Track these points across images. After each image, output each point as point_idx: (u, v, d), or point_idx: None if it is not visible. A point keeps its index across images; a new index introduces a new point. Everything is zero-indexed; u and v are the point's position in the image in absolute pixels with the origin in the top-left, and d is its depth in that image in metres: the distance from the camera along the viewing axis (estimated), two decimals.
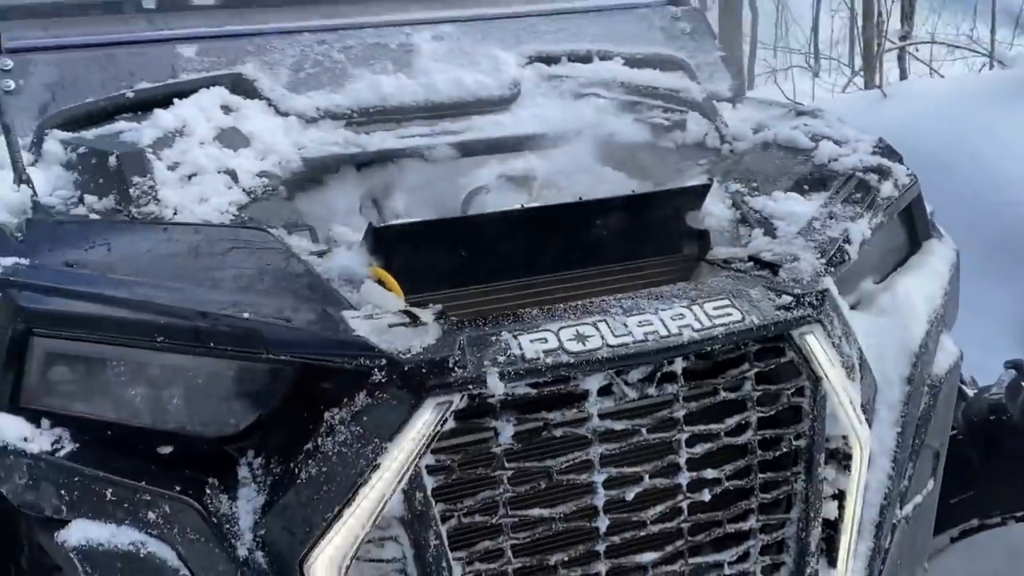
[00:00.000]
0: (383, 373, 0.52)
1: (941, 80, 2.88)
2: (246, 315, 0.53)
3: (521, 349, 0.52)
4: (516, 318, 0.56)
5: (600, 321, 0.55)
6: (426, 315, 0.55)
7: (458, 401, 0.51)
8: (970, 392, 1.00)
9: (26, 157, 0.74)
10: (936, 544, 0.96)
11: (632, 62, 1.02)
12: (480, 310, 0.60)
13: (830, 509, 0.66)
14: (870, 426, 0.68)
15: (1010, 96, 2.03)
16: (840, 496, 0.66)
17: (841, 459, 0.67)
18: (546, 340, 0.54)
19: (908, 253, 0.86)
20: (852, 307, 0.74)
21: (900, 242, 0.86)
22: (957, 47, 2.93)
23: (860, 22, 3.29)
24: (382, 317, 0.54)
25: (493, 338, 0.53)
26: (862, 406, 0.66)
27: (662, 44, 1.12)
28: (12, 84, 0.85)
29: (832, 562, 0.67)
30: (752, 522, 0.62)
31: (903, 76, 3.05)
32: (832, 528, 0.67)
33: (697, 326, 0.56)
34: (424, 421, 0.51)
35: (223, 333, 0.54)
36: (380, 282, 0.60)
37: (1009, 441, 0.92)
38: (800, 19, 4.05)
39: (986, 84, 2.35)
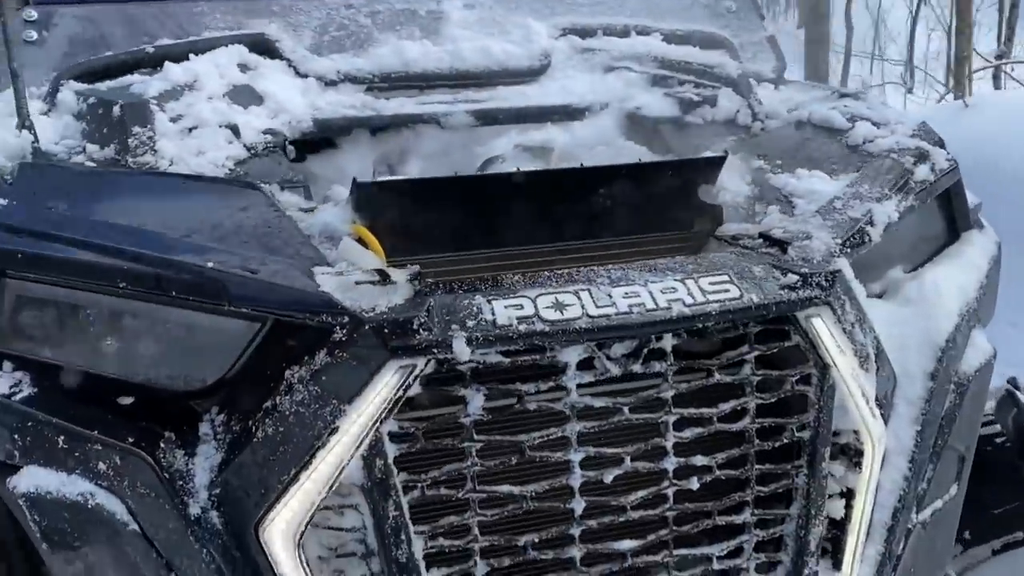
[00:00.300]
0: (344, 331, 0.49)
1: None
2: (210, 264, 0.51)
3: (493, 315, 0.49)
4: (495, 283, 0.53)
5: (583, 290, 0.51)
6: (399, 275, 0.52)
7: (423, 365, 0.49)
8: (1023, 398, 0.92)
9: (40, 106, 0.76)
10: (976, 555, 0.92)
11: (671, 38, 1.00)
12: (462, 276, 0.56)
13: (837, 508, 0.61)
14: (886, 422, 0.63)
15: None
16: (848, 495, 0.62)
17: (852, 455, 0.62)
18: (521, 307, 0.50)
19: (945, 243, 0.80)
20: (879, 295, 0.69)
21: (936, 231, 0.81)
22: None
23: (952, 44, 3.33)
24: (351, 274, 0.52)
25: (465, 302, 0.51)
26: (877, 400, 0.61)
27: (705, 21, 1.10)
28: (35, 35, 0.88)
29: (837, 564, 0.62)
30: (746, 516, 0.58)
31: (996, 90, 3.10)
32: (839, 528, 0.62)
33: (689, 301, 0.52)
34: (386, 384, 0.48)
35: (187, 283, 0.52)
36: (361, 240, 0.57)
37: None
38: (897, 35, 3.97)
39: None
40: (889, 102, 3.19)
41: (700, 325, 0.52)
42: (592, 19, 1.03)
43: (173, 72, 0.80)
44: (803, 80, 1.04)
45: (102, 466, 0.52)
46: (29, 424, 0.54)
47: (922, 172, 0.76)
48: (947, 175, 0.78)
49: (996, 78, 2.99)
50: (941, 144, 0.81)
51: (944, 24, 3.50)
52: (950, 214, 0.81)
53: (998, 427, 0.91)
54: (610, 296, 0.52)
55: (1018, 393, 0.92)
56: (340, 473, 0.49)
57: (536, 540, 0.54)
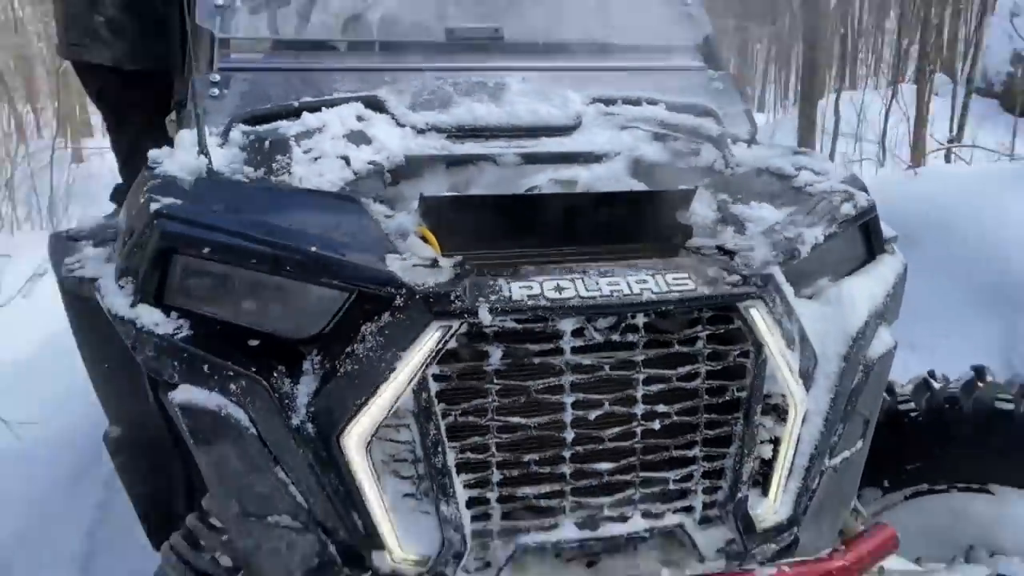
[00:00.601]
0: (402, 299, 0.69)
1: (966, 167, 3.67)
2: (313, 249, 0.73)
3: (510, 292, 0.68)
4: (514, 270, 0.72)
5: (578, 278, 0.71)
6: (445, 263, 0.73)
7: (458, 326, 0.67)
8: (937, 385, 1.14)
9: (217, 140, 1.04)
10: (892, 499, 1.16)
11: (672, 107, 1.25)
12: (491, 265, 0.75)
13: (766, 451, 0.81)
14: (807, 390, 0.81)
15: (1012, 179, 2.63)
16: (775, 442, 0.81)
17: (779, 412, 0.81)
18: (531, 288, 0.69)
19: (863, 262, 1.01)
20: (809, 297, 0.89)
21: (856, 252, 1.02)
22: (989, 150, 3.72)
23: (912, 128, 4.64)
24: (411, 260, 0.72)
25: (490, 282, 0.70)
26: (800, 372, 0.79)
27: (699, 96, 1.36)
28: (216, 92, 1.19)
29: (764, 492, 0.82)
30: (696, 451, 0.77)
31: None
32: (767, 467, 0.82)
33: (656, 290, 0.71)
34: (430, 339, 0.67)
35: (298, 262, 0.74)
36: (423, 238, 0.78)
37: (959, 427, 1.08)
38: (874, 123, 5.15)
39: (994, 171, 3.18)
40: (866, 173, 4.11)
41: (663, 308, 0.71)
42: (614, 92, 1.26)
43: (308, 120, 1.07)
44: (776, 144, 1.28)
45: (233, 387, 0.74)
46: (185, 355, 0.75)
47: (846, 208, 0.97)
48: (866, 211, 0.99)
49: (947, 158, 4.00)
50: (864, 188, 1.03)
51: (909, 116, 4.71)
52: (868, 240, 1.03)
53: (913, 405, 1.12)
54: (597, 283, 0.70)
55: (932, 380, 1.15)
56: (397, 401, 0.68)
57: (537, 458, 0.72)
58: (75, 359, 1.22)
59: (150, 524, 1.08)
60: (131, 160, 1.97)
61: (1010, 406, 1.06)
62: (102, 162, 5.64)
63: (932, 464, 1.13)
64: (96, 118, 6.26)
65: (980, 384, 1.11)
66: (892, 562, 0.94)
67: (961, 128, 4.32)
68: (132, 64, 1.64)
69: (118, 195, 1.50)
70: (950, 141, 3.40)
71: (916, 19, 4.91)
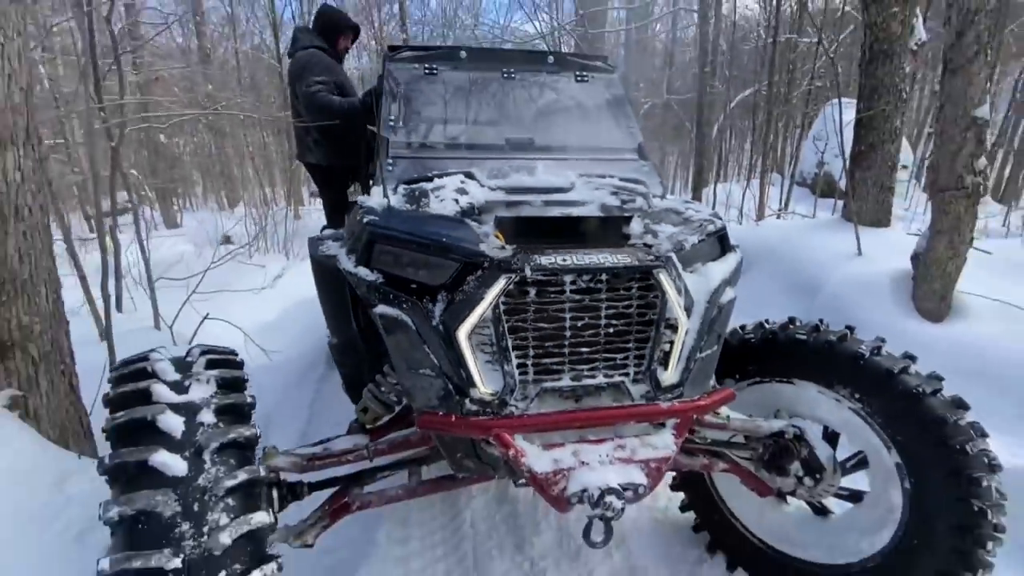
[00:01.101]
0: (487, 264, 1.26)
1: (786, 222, 5.87)
2: (444, 239, 1.34)
3: (539, 261, 1.24)
4: (541, 252, 1.28)
5: (573, 255, 1.27)
6: (508, 247, 1.32)
7: (515, 277, 1.22)
8: (767, 325, 1.80)
9: (391, 192, 1.69)
10: (741, 386, 1.82)
11: (622, 179, 1.97)
12: (531, 249, 1.30)
13: (666, 347, 1.36)
14: (688, 317, 1.37)
15: (808, 228, 4.50)
16: (672, 343, 1.36)
17: (673, 327, 1.35)
18: (550, 259, 1.24)
19: (720, 255, 1.62)
20: (690, 272, 1.48)
21: (715, 251, 1.62)
22: (801, 215, 6.38)
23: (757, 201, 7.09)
24: (492, 244, 1.34)
25: (530, 257, 1.25)
26: (684, 308, 1.35)
27: (635, 173, 2.12)
28: (391, 168, 1.98)
29: (665, 367, 1.36)
30: (630, 345, 1.34)
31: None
32: (667, 356, 1.36)
33: (611, 262, 1.27)
34: (500, 283, 1.21)
35: (437, 245, 1.33)
36: (497, 236, 1.38)
37: (777, 348, 1.74)
38: (736, 200, 7.80)
39: (800, 224, 5.08)
40: (731, 226, 6.45)
41: (615, 271, 1.28)
42: (591, 170, 2.00)
43: (436, 182, 1.76)
44: (676, 196, 2.19)
45: (404, 306, 1.31)
46: (381, 291, 1.35)
47: (710, 227, 1.61)
48: (721, 229, 1.64)
49: (777, 218, 6.47)
50: (720, 218, 1.69)
51: (755, 196, 7.23)
52: (722, 244, 1.64)
53: (753, 336, 1.78)
54: (583, 258, 1.25)
55: (765, 324, 1.79)
56: (482, 312, 1.22)
57: (550, 344, 1.29)
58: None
59: (349, 387, 1.88)
60: (333, 213, 3.65)
61: (804, 336, 1.66)
62: (309, 219, 10.28)
63: (762, 368, 1.78)
64: (306, 193, 11.66)
65: (790, 325, 1.73)
66: (734, 414, 1.67)
67: (787, 203, 7.19)
68: (327, 162, 2.90)
69: (317, 238, 2.24)
70: (779, 210, 5.54)
71: (762, 142, 7.86)
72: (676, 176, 19.81)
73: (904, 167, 12.92)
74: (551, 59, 2.43)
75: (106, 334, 2.16)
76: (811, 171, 9.40)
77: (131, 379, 1.26)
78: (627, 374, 1.36)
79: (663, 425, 1.36)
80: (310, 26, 3.52)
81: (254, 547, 1.10)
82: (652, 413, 1.34)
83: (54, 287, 1.87)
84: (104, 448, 1.19)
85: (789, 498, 1.90)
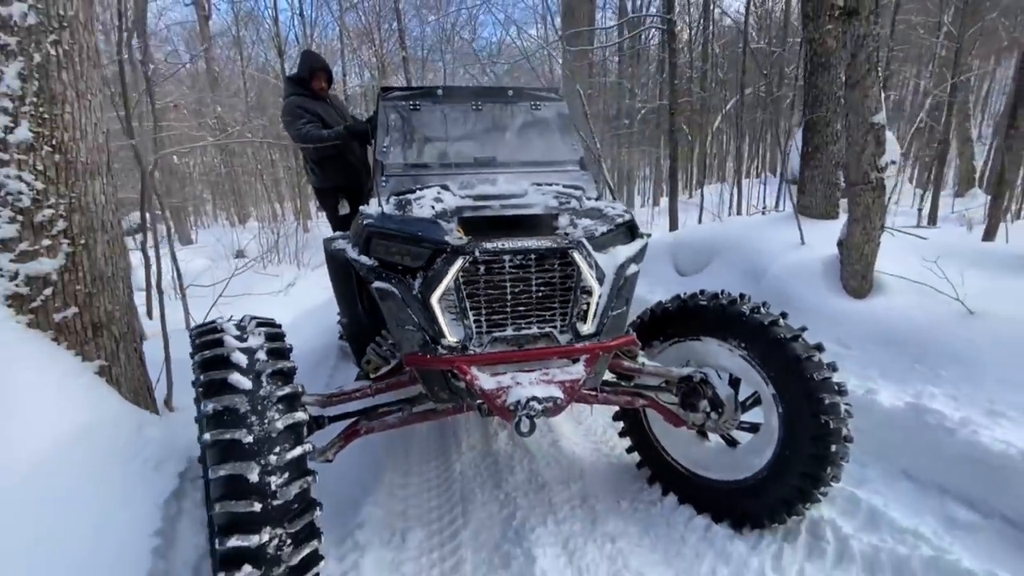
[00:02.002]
0: (449, 249, 1.73)
1: (750, 217, 6.59)
2: (419, 233, 1.82)
3: (487, 246, 1.72)
4: (489, 240, 1.75)
5: (513, 241, 1.76)
6: (465, 238, 1.78)
7: (469, 258, 1.71)
8: (683, 296, 2.24)
9: (383, 200, 2.16)
10: (664, 346, 2.32)
11: (565, 185, 2.42)
12: (483, 239, 1.78)
13: (584, 306, 1.82)
14: (601, 284, 1.83)
15: (766, 223, 4.80)
16: (588, 304, 1.83)
17: (589, 292, 1.82)
18: (495, 245, 1.73)
19: (629, 240, 2.07)
20: (602, 252, 1.90)
21: (625, 237, 2.06)
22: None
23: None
24: (453, 236, 1.80)
25: (481, 243, 1.73)
26: (596, 278, 1.81)
27: (575, 181, 2.54)
28: (384, 184, 2.43)
29: (584, 321, 1.82)
30: (556, 305, 1.82)
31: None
32: (586, 312, 1.82)
33: (539, 246, 1.77)
34: (458, 262, 1.71)
35: (414, 237, 1.81)
36: (458, 231, 1.81)
37: (688, 313, 2.22)
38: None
39: (765, 218, 5.35)
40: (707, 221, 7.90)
41: (542, 252, 1.76)
42: (541, 180, 2.38)
43: (419, 193, 2.13)
44: (604, 199, 2.43)
45: (393, 281, 1.81)
46: (376, 272, 1.86)
47: (619, 220, 2.04)
48: (630, 220, 2.09)
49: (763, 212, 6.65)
50: (630, 213, 2.12)
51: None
52: (631, 231, 2.09)
53: (670, 306, 2.19)
54: (520, 243, 1.74)
55: (682, 295, 2.18)
56: (447, 283, 1.71)
57: (497, 305, 1.78)
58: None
59: (355, 351, 2.35)
60: (336, 225, 4.28)
61: (705, 303, 2.14)
62: (317, 231, 11.19)
63: (678, 329, 2.25)
64: (313, 208, 13.38)
65: (697, 296, 2.18)
66: (649, 362, 2.17)
67: (777, 201, 8.11)
68: (320, 185, 3.57)
69: (329, 239, 2.49)
70: (763, 208, 5.39)
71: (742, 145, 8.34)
72: (660, 186, 20.51)
73: (893, 163, 13.43)
74: (511, 92, 2.91)
75: (162, 325, 2.71)
76: (798, 170, 10.37)
77: (208, 333, 1.71)
78: (555, 326, 1.83)
79: (577, 360, 1.81)
80: (295, 69, 4.15)
81: (296, 434, 1.56)
82: (568, 351, 1.81)
83: (127, 284, 2.41)
84: (164, 412, 1.69)
85: (710, 436, 2.40)
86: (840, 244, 3.53)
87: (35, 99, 1.97)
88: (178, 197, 13.64)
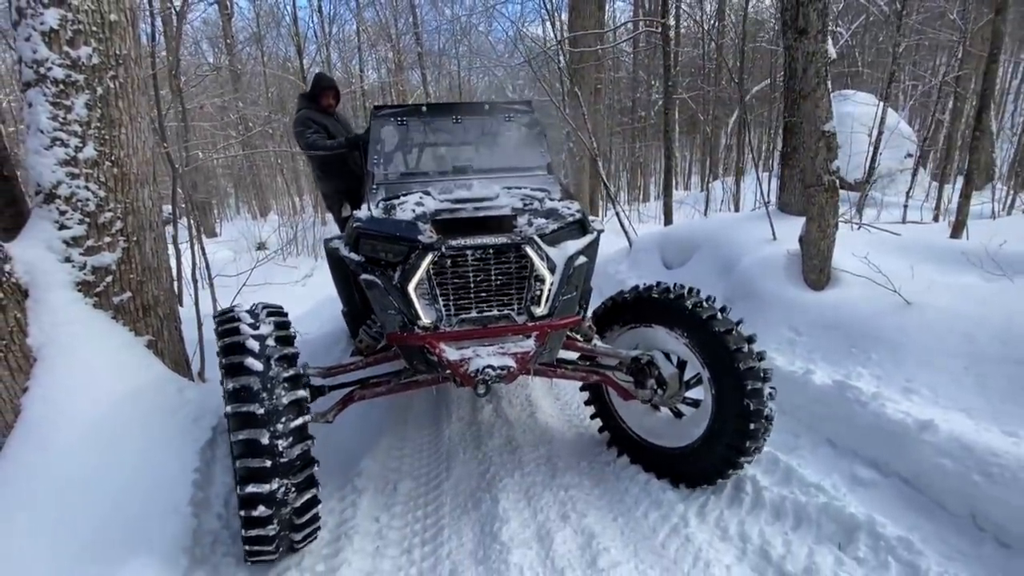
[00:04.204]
0: (421, 246, 2.07)
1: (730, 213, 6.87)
2: (398, 233, 2.14)
3: (452, 243, 2.06)
4: (456, 238, 2.08)
5: (476, 238, 2.10)
6: (435, 236, 2.10)
7: (439, 253, 2.06)
8: (640, 287, 2.55)
9: (375, 206, 2.52)
10: (621, 331, 2.63)
11: (533, 188, 2.70)
12: (451, 236, 2.11)
13: (538, 292, 2.12)
14: (552, 273, 2.13)
15: (745, 219, 5.08)
16: (542, 289, 2.12)
17: (542, 280, 2.12)
18: (461, 241, 2.07)
19: (581, 235, 2.33)
20: (553, 246, 2.19)
21: (577, 232, 2.31)
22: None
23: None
24: (426, 234, 2.12)
25: (450, 240, 2.07)
26: (548, 268, 2.12)
27: (542, 184, 2.77)
28: (374, 191, 2.72)
29: (538, 304, 2.11)
30: (512, 291, 2.14)
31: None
32: (539, 297, 2.12)
33: (497, 242, 2.10)
34: (429, 256, 2.05)
35: (394, 237, 2.14)
36: (431, 230, 2.12)
37: (642, 303, 2.49)
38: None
39: (744, 215, 5.73)
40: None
41: (500, 247, 2.09)
42: (511, 184, 2.61)
43: (403, 199, 2.37)
44: (566, 201, 2.52)
45: (377, 273, 2.13)
46: (363, 267, 2.17)
47: (570, 218, 2.30)
48: (582, 217, 2.34)
49: (766, 208, 6.00)
50: (581, 212, 2.37)
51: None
52: (583, 227, 2.35)
53: (628, 296, 2.52)
54: (481, 240, 2.08)
55: (640, 285, 2.52)
56: (420, 274, 2.05)
57: (462, 291, 2.10)
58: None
59: (352, 332, 2.78)
60: (341, 225, 4.62)
61: (657, 295, 2.44)
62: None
63: (633, 317, 2.56)
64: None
65: (652, 288, 2.49)
66: (600, 344, 2.57)
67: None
68: (325, 190, 4.33)
69: (329, 239, 2.79)
70: (765, 203, 5.20)
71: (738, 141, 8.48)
72: (690, 169, 20.44)
73: (909, 156, 13.44)
74: (487, 107, 3.21)
75: (196, 310, 3.20)
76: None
77: (229, 321, 2.04)
78: (513, 309, 2.14)
79: (529, 336, 2.13)
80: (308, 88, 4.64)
81: (299, 408, 1.90)
82: (521, 328, 2.12)
83: (169, 273, 2.90)
84: (198, 381, 2.12)
85: (662, 409, 2.79)
86: (800, 240, 3.86)
87: (98, 124, 2.44)
88: (203, 191, 14.32)
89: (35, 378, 2.20)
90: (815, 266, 3.72)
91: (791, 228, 4.47)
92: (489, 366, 2.02)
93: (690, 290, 2.45)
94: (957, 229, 4.66)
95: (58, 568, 1.73)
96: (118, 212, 2.53)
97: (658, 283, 2.56)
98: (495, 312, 2.15)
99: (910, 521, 2.10)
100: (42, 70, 2.30)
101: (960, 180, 5.21)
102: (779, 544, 2.05)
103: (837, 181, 3.48)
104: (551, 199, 2.50)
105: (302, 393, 1.94)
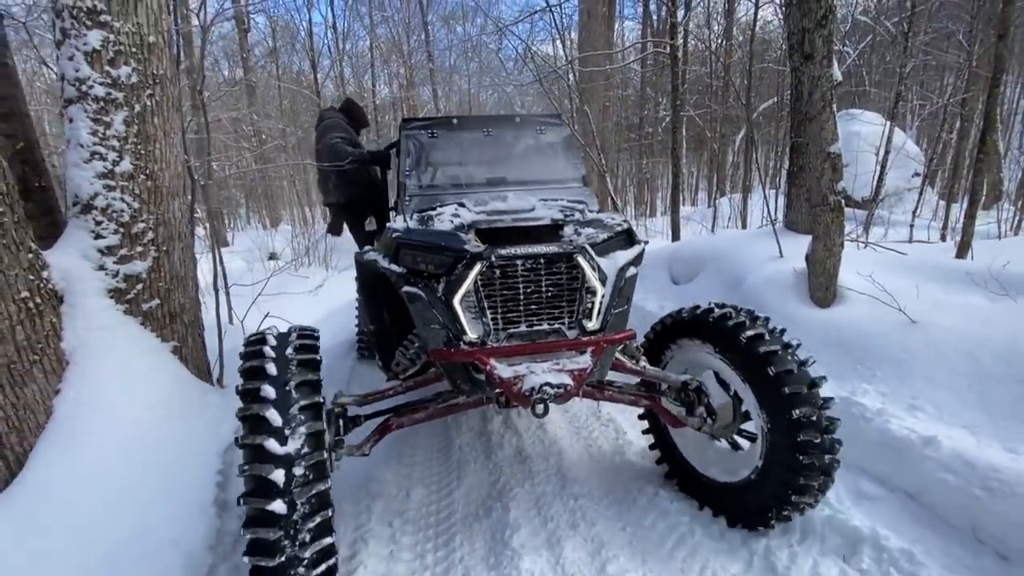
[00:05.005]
0: (468, 256, 1.92)
1: (738, 230, 6.98)
2: (442, 243, 1.98)
3: (502, 252, 1.92)
4: (504, 247, 1.94)
5: (525, 247, 1.95)
6: (482, 244, 1.97)
7: (488, 263, 1.92)
8: (684, 310, 2.47)
9: (409, 219, 2.37)
10: (672, 351, 2.52)
11: (569, 200, 2.64)
12: (499, 246, 1.95)
13: (589, 305, 1.99)
14: (603, 285, 2.01)
15: (752, 236, 5.14)
16: (593, 301, 1.99)
17: (593, 292, 1.99)
18: (510, 251, 1.93)
19: (628, 246, 2.25)
20: (604, 257, 2.07)
21: (624, 243, 2.24)
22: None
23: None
24: (471, 244, 1.96)
25: (496, 250, 1.92)
26: (599, 280, 1.99)
27: (578, 196, 2.74)
28: (407, 202, 2.69)
29: (590, 318, 1.98)
30: (563, 304, 2.00)
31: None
32: (591, 310, 1.99)
33: (544, 251, 1.95)
34: (477, 267, 1.91)
35: (437, 246, 1.98)
36: (475, 238, 1.98)
37: (689, 324, 2.36)
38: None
39: (750, 232, 5.66)
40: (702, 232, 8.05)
41: (551, 256, 1.96)
42: (548, 196, 2.58)
43: (439, 210, 2.32)
44: (605, 212, 2.51)
45: (420, 285, 2.00)
46: (405, 278, 2.05)
47: (618, 228, 2.22)
48: (628, 229, 2.32)
49: (773, 225, 5.96)
50: (628, 222, 2.32)
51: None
52: (629, 238, 2.30)
53: (674, 317, 2.41)
54: (530, 249, 1.94)
55: (683, 309, 2.40)
56: (467, 286, 1.91)
57: (511, 304, 1.97)
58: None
59: (382, 356, 2.52)
60: (363, 240, 4.75)
61: (685, 317, 2.36)
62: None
63: (681, 334, 2.42)
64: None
65: (693, 310, 2.35)
66: (649, 367, 2.61)
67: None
68: (345, 200, 4.20)
69: (361, 253, 2.60)
70: (772, 221, 5.14)
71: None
72: (697, 185, 20.66)
73: (916, 175, 13.51)
74: (518, 119, 3.23)
75: (216, 320, 3.31)
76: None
77: (255, 344, 1.85)
78: (563, 322, 2.00)
79: (584, 352, 1.96)
80: (332, 108, 4.73)
81: (318, 441, 1.69)
82: (575, 344, 1.96)
83: (195, 282, 3.01)
84: (217, 387, 2.19)
85: (720, 440, 2.51)
86: (807, 258, 3.93)
87: (135, 139, 2.56)
88: (215, 202, 14.56)
89: (67, 381, 2.30)
90: (821, 284, 3.79)
91: (798, 246, 4.56)
92: (547, 383, 1.85)
93: (753, 319, 2.20)
94: (962, 249, 4.71)
95: (95, 565, 1.81)
96: (150, 223, 2.65)
97: (717, 305, 2.33)
98: (545, 326, 2.01)
99: (913, 534, 2.14)
100: (84, 88, 2.43)
101: (967, 200, 5.26)
102: (785, 556, 2.10)
103: (843, 201, 3.55)
104: (591, 211, 2.45)
105: (320, 426, 1.72)
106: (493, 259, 1.94)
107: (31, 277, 2.19)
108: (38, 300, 2.21)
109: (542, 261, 1.98)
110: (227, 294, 5.13)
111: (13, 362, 2.09)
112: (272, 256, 10.17)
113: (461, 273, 1.95)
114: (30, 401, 2.14)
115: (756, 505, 2.11)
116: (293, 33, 18.52)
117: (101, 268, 2.52)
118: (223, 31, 16.60)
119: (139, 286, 2.63)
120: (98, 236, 2.51)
